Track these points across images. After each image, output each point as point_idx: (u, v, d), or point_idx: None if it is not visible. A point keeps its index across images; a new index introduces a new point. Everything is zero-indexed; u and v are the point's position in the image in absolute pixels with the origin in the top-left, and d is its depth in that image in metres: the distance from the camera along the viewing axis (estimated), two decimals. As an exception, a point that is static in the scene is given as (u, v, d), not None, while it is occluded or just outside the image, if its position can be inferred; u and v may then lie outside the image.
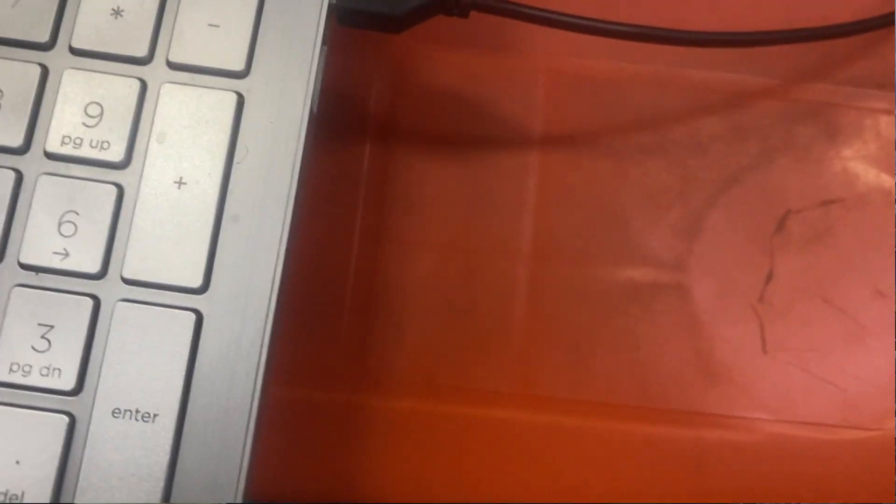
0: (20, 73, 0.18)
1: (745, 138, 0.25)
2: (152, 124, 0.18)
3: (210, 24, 0.18)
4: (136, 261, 0.17)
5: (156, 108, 0.18)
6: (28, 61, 0.18)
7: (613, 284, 0.24)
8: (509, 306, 0.23)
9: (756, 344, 0.24)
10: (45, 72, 0.18)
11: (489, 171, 0.24)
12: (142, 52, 0.18)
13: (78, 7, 0.18)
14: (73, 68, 0.18)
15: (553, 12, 0.20)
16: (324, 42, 0.18)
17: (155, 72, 0.18)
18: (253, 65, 0.18)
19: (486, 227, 0.24)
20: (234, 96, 0.18)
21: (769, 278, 0.24)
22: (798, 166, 0.25)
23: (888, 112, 0.25)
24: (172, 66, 0.18)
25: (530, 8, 0.20)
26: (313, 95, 0.18)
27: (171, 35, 0.18)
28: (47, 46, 0.18)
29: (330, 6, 0.19)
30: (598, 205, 0.24)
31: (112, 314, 0.17)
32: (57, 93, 0.18)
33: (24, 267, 0.17)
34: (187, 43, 0.18)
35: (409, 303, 0.23)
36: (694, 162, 0.24)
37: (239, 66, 0.18)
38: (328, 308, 0.23)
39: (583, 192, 0.24)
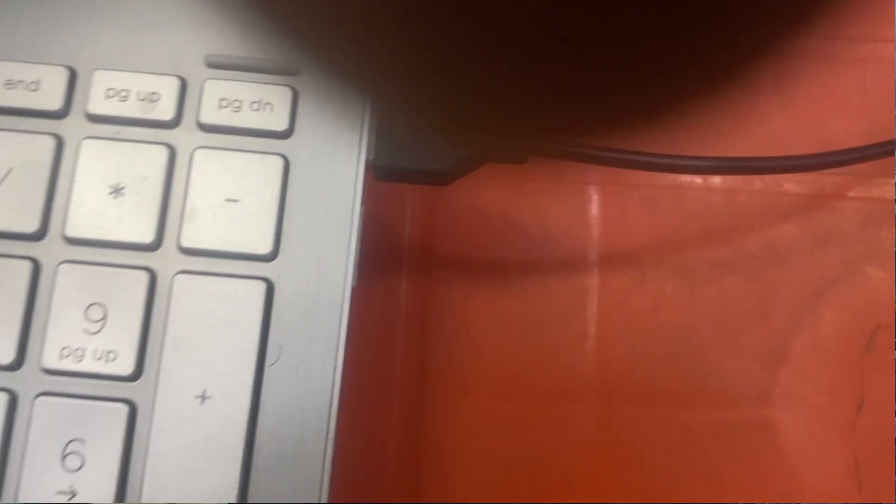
0: (6, 271, 0.15)
1: (827, 246, 0.22)
2: (165, 325, 0.15)
3: (228, 199, 0.15)
4: (156, 494, 0.14)
5: (169, 304, 0.15)
6: (15, 256, 0.15)
7: (691, 424, 0.21)
8: (574, 455, 0.21)
9: (851, 483, 0.21)
10: (36, 268, 0.15)
11: (541, 302, 0.21)
12: (148, 237, 0.15)
13: (71, 186, 0.15)
14: (68, 262, 0.15)
15: (616, 150, 0.17)
16: (361, 204, 0.16)
17: (165, 260, 0.15)
18: (282, 244, 0.15)
19: (542, 366, 0.21)
20: (262, 284, 0.15)
21: (861, 406, 0.21)
22: (885, 275, 0.22)
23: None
24: (185, 251, 0.15)
25: (593, 149, 0.17)
26: (354, 270, 0.15)
27: (183, 214, 0.15)
28: (37, 236, 0.15)
29: (367, 165, 0.16)
30: (668, 332, 0.21)
31: (131, 561, 0.14)
32: (51, 294, 0.15)
33: (23, 512, 0.14)
34: (202, 223, 0.15)
35: (458, 456, 0.21)
36: (773, 277, 0.22)
37: (266, 247, 0.15)
38: (371, 464, 0.20)
39: (649, 318, 0.21)
